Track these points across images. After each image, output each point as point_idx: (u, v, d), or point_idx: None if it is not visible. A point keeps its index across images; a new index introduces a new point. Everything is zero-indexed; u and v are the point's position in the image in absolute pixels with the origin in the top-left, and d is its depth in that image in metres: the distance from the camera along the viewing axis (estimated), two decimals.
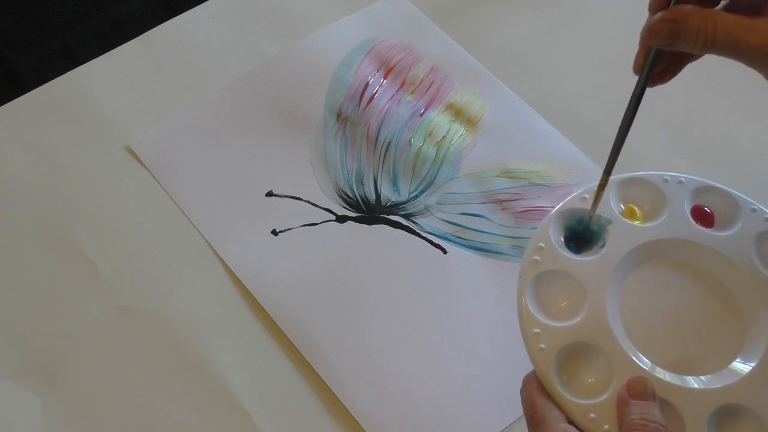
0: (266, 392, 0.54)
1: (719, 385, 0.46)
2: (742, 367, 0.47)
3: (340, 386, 0.54)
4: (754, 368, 0.47)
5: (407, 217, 0.61)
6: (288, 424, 0.53)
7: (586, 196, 0.51)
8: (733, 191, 0.52)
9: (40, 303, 0.57)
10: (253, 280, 0.58)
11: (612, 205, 0.51)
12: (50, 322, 0.56)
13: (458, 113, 0.65)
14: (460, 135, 0.64)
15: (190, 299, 0.57)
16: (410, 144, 0.64)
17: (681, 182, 0.52)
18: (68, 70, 0.67)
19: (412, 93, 0.66)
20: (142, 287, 0.58)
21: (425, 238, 0.60)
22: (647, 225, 0.51)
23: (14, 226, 0.60)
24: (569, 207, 0.51)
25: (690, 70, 0.68)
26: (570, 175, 0.62)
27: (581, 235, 0.51)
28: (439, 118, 0.65)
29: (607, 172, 0.50)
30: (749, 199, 0.52)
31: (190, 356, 0.55)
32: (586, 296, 0.48)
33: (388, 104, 0.66)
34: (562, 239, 0.51)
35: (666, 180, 0.52)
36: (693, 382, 0.46)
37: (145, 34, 0.69)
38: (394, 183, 0.62)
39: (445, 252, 0.59)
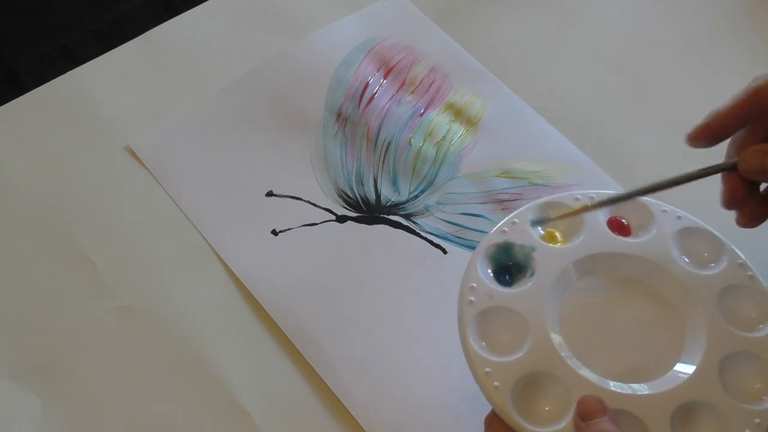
0: (266, 392, 0.54)
1: (673, 386, 0.47)
2: (688, 365, 0.48)
3: (340, 386, 0.54)
4: (700, 361, 0.48)
5: (407, 217, 0.61)
6: (288, 424, 0.53)
7: (506, 229, 0.52)
8: (641, 197, 0.54)
9: (40, 303, 0.57)
10: (253, 280, 0.58)
11: (532, 232, 0.52)
12: (50, 322, 0.56)
13: (458, 113, 0.65)
14: (460, 135, 0.64)
15: (190, 299, 0.57)
16: (410, 144, 0.64)
17: (592, 198, 0.53)
18: (68, 70, 0.67)
19: (412, 93, 0.66)
20: (142, 287, 0.58)
21: (425, 238, 0.60)
22: (569, 245, 0.52)
23: (14, 226, 0.60)
24: (492, 242, 0.52)
25: (691, 71, 0.69)
26: (570, 175, 0.62)
27: (509, 267, 0.52)
28: (439, 118, 0.65)
29: (595, 206, 0.52)
30: (658, 202, 0.53)
31: (190, 356, 0.55)
32: (528, 326, 0.49)
33: (388, 104, 0.66)
34: (492, 275, 0.51)
35: (577, 199, 0.53)
36: (647, 389, 0.47)
37: (145, 34, 0.69)
38: (394, 183, 0.62)
39: (445, 252, 0.59)
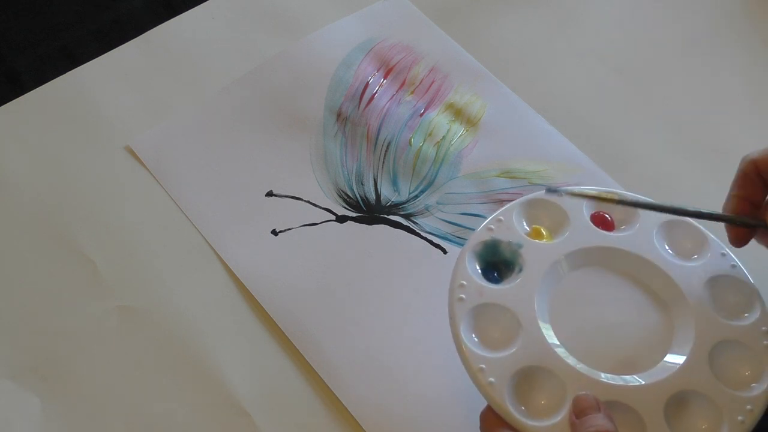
0: (266, 392, 0.54)
1: (665, 376, 0.48)
2: (678, 355, 0.49)
3: (339, 386, 0.54)
4: (690, 351, 0.49)
5: (407, 217, 0.61)
6: (288, 424, 0.53)
7: (492, 227, 0.53)
8: (623, 191, 0.55)
9: (40, 303, 0.57)
10: (253, 280, 0.58)
11: (518, 229, 0.53)
12: (50, 322, 0.56)
13: (458, 113, 0.65)
14: (460, 135, 0.64)
15: (190, 299, 0.57)
16: (410, 144, 0.64)
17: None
18: (68, 70, 0.67)
19: (412, 93, 0.66)
20: (142, 287, 0.58)
21: (425, 238, 0.60)
22: (555, 241, 0.53)
23: (14, 226, 0.60)
24: (479, 240, 0.52)
25: (691, 71, 0.69)
26: (570, 175, 0.62)
27: (496, 264, 0.52)
28: (439, 118, 0.65)
29: (619, 202, 0.51)
30: (639, 196, 0.54)
31: (190, 356, 0.55)
32: (519, 321, 0.49)
33: (388, 104, 0.66)
34: (480, 272, 0.52)
35: (561, 195, 0.54)
36: (640, 380, 0.48)
37: (145, 34, 0.69)
38: (394, 183, 0.62)
39: (445, 252, 0.59)
